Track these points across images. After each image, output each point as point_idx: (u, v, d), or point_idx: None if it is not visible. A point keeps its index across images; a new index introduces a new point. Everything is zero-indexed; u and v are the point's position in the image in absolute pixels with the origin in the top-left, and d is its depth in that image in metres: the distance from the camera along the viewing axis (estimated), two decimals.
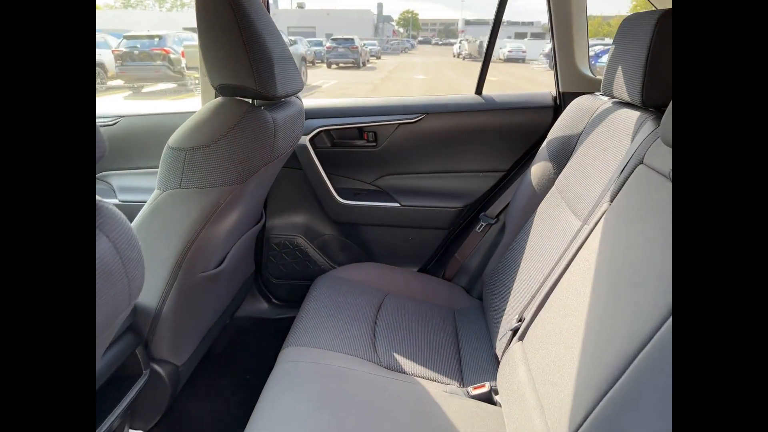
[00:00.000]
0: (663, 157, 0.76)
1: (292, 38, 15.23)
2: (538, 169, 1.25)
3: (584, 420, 0.64)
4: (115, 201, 1.54)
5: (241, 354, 1.52)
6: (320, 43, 19.30)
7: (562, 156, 1.19)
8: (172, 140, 0.89)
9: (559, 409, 0.71)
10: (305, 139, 1.45)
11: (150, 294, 0.96)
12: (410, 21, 78.88)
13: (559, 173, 1.17)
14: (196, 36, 1.00)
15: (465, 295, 1.40)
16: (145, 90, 9.73)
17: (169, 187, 0.89)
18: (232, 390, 1.35)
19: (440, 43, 34.95)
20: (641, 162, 0.82)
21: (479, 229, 1.45)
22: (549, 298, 0.91)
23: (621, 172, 0.86)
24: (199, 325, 1.13)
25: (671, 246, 0.62)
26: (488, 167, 1.47)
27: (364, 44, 20.70)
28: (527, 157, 1.44)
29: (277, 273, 1.63)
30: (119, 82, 9.98)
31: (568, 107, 1.23)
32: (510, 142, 1.44)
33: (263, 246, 1.59)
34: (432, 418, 0.89)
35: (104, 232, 0.46)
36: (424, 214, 1.50)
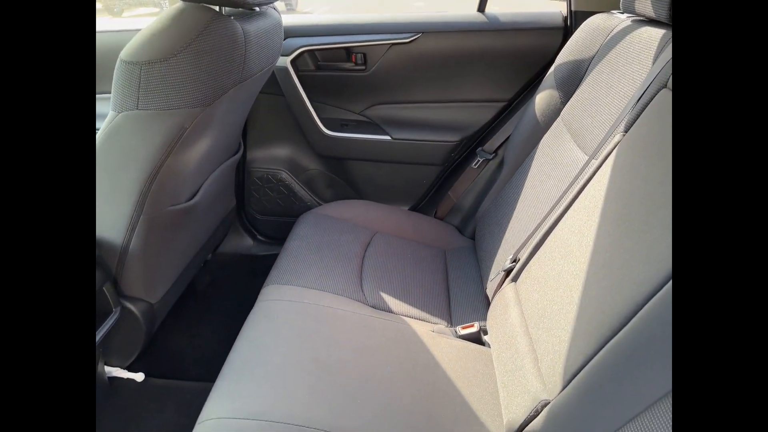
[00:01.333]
0: None
1: None
2: (542, 98, 1.13)
3: (581, 368, 0.59)
4: None
5: (224, 291, 1.48)
6: None
7: (570, 83, 1.07)
8: (124, 53, 0.76)
9: (553, 354, 0.66)
10: (286, 61, 1.30)
11: (114, 228, 0.88)
12: None
13: (566, 102, 1.06)
14: None
15: (457, 234, 1.34)
16: (125, 15, 9.07)
17: (125, 108, 0.78)
18: (214, 327, 1.32)
19: None
20: (664, 86, 0.71)
21: (475, 165, 1.36)
22: (548, 238, 0.84)
23: (639, 99, 0.76)
24: (173, 262, 1.06)
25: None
26: (488, 97, 1.35)
27: None
28: (532, 85, 1.32)
29: (260, 209, 1.55)
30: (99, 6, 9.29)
31: (580, 28, 1.09)
32: (513, 68, 1.31)
33: (244, 180, 1.49)
34: (418, 357, 0.85)
35: None
36: (416, 149, 1.39)
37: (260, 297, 0.96)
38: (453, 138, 1.37)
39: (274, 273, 1.03)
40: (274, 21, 1.03)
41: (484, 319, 0.97)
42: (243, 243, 1.58)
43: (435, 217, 1.43)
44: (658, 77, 0.73)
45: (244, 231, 1.58)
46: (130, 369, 1.07)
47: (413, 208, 1.50)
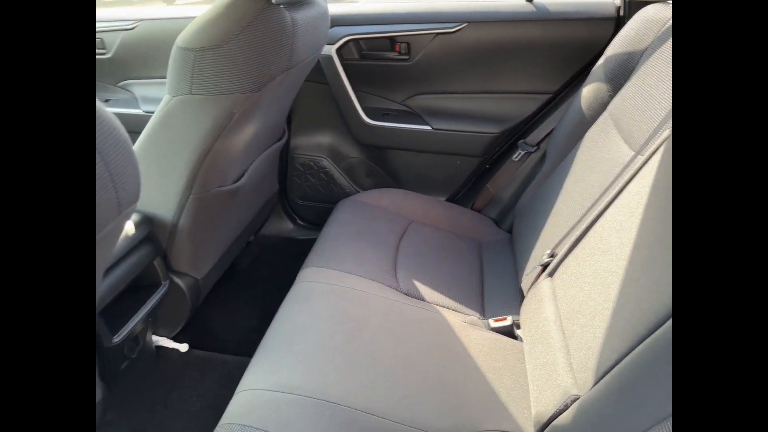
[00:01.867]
0: None
1: None
2: (589, 90, 1.10)
3: (614, 365, 0.58)
4: (138, 112, 1.50)
5: (264, 272, 1.53)
6: None
7: (620, 76, 1.03)
8: (180, 39, 0.81)
9: (587, 350, 0.65)
10: (331, 50, 1.32)
11: (166, 206, 0.93)
12: None
13: (614, 96, 1.03)
14: None
15: (494, 227, 1.33)
16: (178, 2, 9.40)
17: (179, 92, 0.83)
18: (253, 305, 1.37)
19: None
20: None
21: (516, 157, 1.34)
22: (587, 234, 0.82)
23: None
24: (218, 240, 1.11)
25: None
26: (533, 88, 1.32)
27: None
28: (579, 77, 1.28)
29: (301, 194, 1.59)
30: None
31: (633, 18, 1.05)
32: (561, 59, 1.27)
33: (287, 165, 1.54)
34: (449, 346, 0.86)
35: None
36: (456, 140, 1.39)
37: (298, 279, 1.00)
38: (494, 129, 1.36)
39: (312, 256, 1.06)
40: (321, 10, 1.05)
41: (518, 313, 0.97)
42: (284, 226, 1.63)
43: (472, 209, 1.42)
44: None
45: (285, 215, 1.63)
46: (175, 339, 1.14)
47: (450, 199, 1.50)
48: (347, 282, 0.97)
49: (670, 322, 0.51)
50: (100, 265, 0.56)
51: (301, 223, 1.64)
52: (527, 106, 1.34)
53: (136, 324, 0.92)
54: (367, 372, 0.77)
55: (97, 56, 1.54)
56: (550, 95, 1.32)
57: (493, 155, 1.41)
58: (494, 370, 0.83)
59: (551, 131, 1.26)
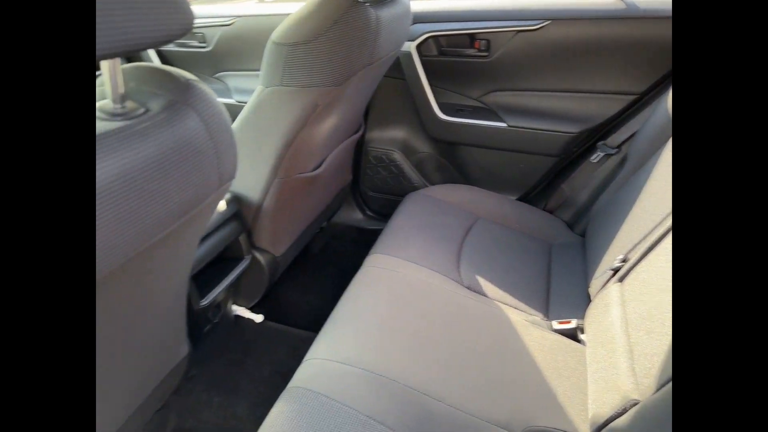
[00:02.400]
0: None
1: None
2: None
3: None
4: (231, 101, 1.64)
5: (334, 256, 1.62)
6: None
7: None
8: (275, 34, 0.88)
9: (651, 357, 0.64)
10: (411, 46, 1.36)
11: (253, 188, 1.03)
12: None
13: None
14: None
15: (566, 229, 1.30)
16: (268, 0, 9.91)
17: (271, 83, 0.91)
18: (323, 286, 1.46)
19: None
20: None
21: (595, 159, 1.30)
22: (662, 241, 0.79)
23: None
24: (296, 222, 1.20)
25: None
26: (617, 88, 1.27)
27: None
28: (668, 79, 1.21)
29: (372, 186, 1.65)
30: None
31: None
32: (650, 60, 1.21)
33: (361, 158, 1.60)
34: (509, 342, 0.87)
35: (195, 110, 0.48)
36: (532, 138, 1.37)
37: (365, 264, 1.05)
38: (573, 129, 1.32)
39: (379, 244, 1.11)
40: (404, 7, 1.08)
41: (583, 317, 0.95)
42: (354, 216, 1.70)
43: (544, 209, 1.40)
44: None
45: (356, 205, 1.70)
46: (252, 310, 1.25)
47: (521, 199, 1.48)
48: (411, 271, 1.01)
49: None
50: (197, 234, 0.65)
51: (369, 213, 1.70)
52: (610, 107, 1.29)
53: (220, 292, 1.02)
54: (425, 356, 0.80)
55: (198, 49, 1.70)
56: (636, 96, 1.26)
57: (570, 155, 1.38)
58: (553, 369, 0.83)
59: (634, 134, 1.21)
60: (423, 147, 1.55)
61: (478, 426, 0.72)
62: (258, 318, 1.26)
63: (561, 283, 1.07)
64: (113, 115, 0.43)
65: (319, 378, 0.75)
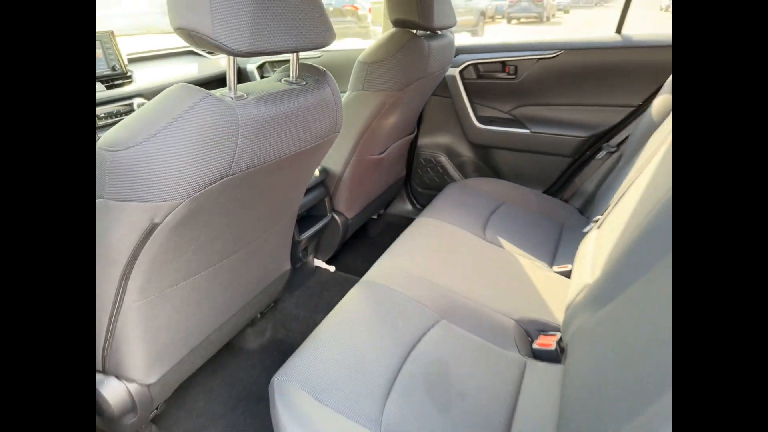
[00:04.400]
0: None
1: None
2: (658, 101, 1.37)
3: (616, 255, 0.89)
4: None
5: (388, 239, 2.00)
6: None
7: None
8: (361, 56, 1.33)
9: (603, 255, 0.96)
10: (455, 71, 1.78)
11: (337, 162, 1.46)
12: None
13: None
14: None
15: (578, 214, 1.61)
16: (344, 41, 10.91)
17: (356, 89, 1.34)
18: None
19: None
20: None
21: (600, 157, 1.62)
22: (624, 196, 1.12)
23: None
24: (364, 194, 1.61)
25: None
26: (618, 102, 1.61)
27: None
28: (657, 92, 1.53)
29: (421, 183, 2.05)
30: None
31: None
32: (643, 79, 1.55)
33: (413, 159, 2.01)
34: (515, 272, 1.21)
35: (328, 84, 0.89)
36: (550, 141, 1.72)
37: (414, 223, 1.43)
38: (583, 134, 1.66)
39: (425, 210, 1.49)
40: (449, 40, 1.51)
41: None
42: (405, 207, 2.10)
43: (561, 200, 1.72)
44: None
45: (407, 199, 2.09)
46: (327, 262, 1.65)
47: (545, 192, 1.82)
48: (447, 227, 1.37)
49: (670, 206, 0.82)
50: (315, 164, 1.03)
51: (418, 206, 2.09)
52: (613, 116, 1.62)
53: (311, 234, 1.43)
54: (453, 272, 1.16)
55: None
56: (633, 108, 1.59)
57: (581, 155, 1.71)
58: (546, 290, 1.15)
59: (629, 136, 1.53)
60: (464, 151, 1.93)
61: (485, 311, 1.06)
62: (331, 268, 1.66)
63: (568, 244, 1.39)
64: (291, 84, 0.85)
65: (381, 277, 1.13)
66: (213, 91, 0.69)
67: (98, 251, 0.73)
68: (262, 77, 2.10)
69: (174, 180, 0.64)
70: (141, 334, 0.85)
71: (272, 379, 0.83)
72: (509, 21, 17.19)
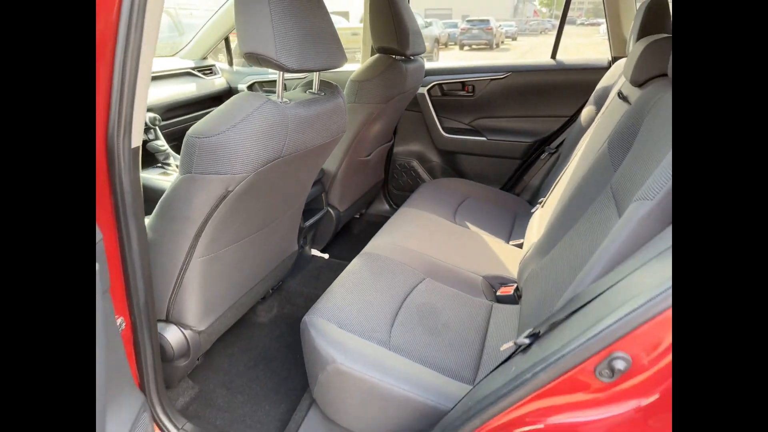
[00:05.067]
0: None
1: (428, 20, 15.87)
2: (585, 111, 1.76)
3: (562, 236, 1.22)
4: None
5: (368, 235, 2.29)
6: (455, 25, 19.69)
7: (602, 99, 1.69)
8: (352, 76, 1.64)
9: (543, 225, 1.30)
10: (424, 90, 2.12)
11: (333, 163, 1.74)
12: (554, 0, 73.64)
13: (597, 112, 1.68)
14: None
15: (527, 205, 1.97)
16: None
17: (349, 101, 1.65)
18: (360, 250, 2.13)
19: (585, 23, 32.30)
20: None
21: (543, 157, 2.00)
22: (559, 182, 1.47)
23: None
24: (354, 190, 1.90)
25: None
26: (556, 113, 2.00)
27: (500, 25, 20.51)
28: (584, 104, 1.94)
29: (397, 186, 2.36)
30: None
31: (612, 66, 1.71)
32: (575, 94, 1.95)
33: (390, 164, 2.33)
34: (479, 245, 1.53)
35: (339, 95, 1.18)
36: (503, 146, 2.08)
37: (396, 214, 1.73)
38: (529, 140, 2.04)
39: (404, 203, 1.80)
40: (420, 64, 1.85)
41: None
42: (383, 207, 2.40)
43: (514, 194, 2.08)
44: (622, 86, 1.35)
45: (384, 200, 2.40)
46: (322, 251, 1.92)
47: (502, 188, 2.17)
48: (424, 215, 1.68)
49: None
50: (323, 159, 1.32)
51: (394, 206, 2.40)
52: (552, 124, 2.01)
53: (311, 223, 1.70)
54: (431, 244, 1.47)
55: None
56: (567, 118, 1.98)
57: (528, 157, 2.08)
58: (505, 257, 1.48)
59: (564, 140, 1.92)
60: (433, 157, 2.27)
61: (459, 271, 1.36)
62: (325, 256, 1.93)
63: (520, 225, 1.73)
64: (315, 94, 1.14)
65: (377, 249, 1.41)
66: (269, 96, 0.97)
67: (180, 214, 0.95)
68: None
69: (246, 158, 0.88)
70: (199, 286, 1.07)
71: (303, 319, 1.09)
72: (461, 47, 18.24)
